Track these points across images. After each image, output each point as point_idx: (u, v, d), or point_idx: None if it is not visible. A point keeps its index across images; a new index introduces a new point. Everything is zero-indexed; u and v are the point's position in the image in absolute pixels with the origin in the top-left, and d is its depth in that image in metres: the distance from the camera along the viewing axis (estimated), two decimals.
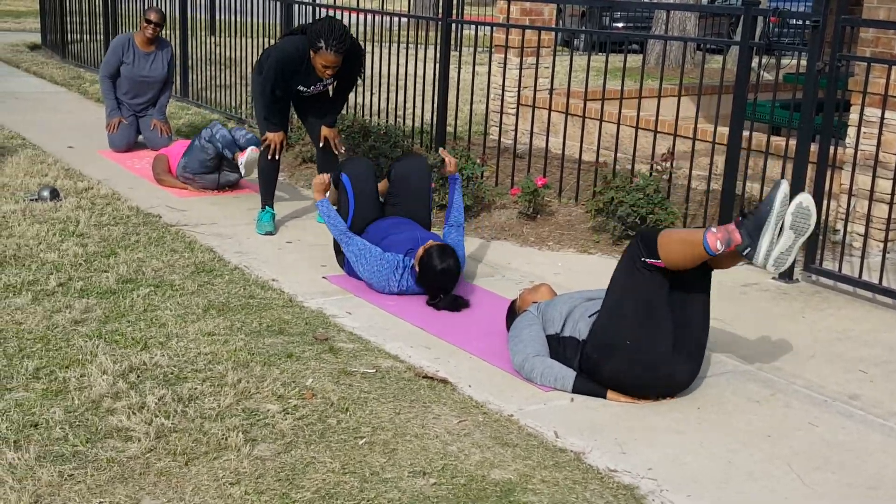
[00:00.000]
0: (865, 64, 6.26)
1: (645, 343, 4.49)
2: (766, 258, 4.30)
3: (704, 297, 4.61)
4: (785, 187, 4.29)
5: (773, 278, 6.36)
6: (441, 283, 5.72)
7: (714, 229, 4.35)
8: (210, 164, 8.09)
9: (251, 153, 7.69)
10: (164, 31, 11.38)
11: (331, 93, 7.13)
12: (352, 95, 9.05)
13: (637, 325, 4.50)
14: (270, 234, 6.98)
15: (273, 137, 6.92)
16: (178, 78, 12.02)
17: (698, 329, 4.59)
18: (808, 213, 4.33)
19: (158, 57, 9.60)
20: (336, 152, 7.24)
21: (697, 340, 4.59)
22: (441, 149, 6.08)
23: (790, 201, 4.32)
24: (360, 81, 7.17)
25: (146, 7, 10.92)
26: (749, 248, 4.31)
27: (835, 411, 4.59)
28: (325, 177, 6.24)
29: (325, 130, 7.13)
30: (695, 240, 4.35)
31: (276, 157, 7.02)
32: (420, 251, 5.79)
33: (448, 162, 6.19)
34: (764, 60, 15.10)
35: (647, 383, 4.56)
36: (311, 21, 7.12)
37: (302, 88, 6.88)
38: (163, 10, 9.91)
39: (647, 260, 4.43)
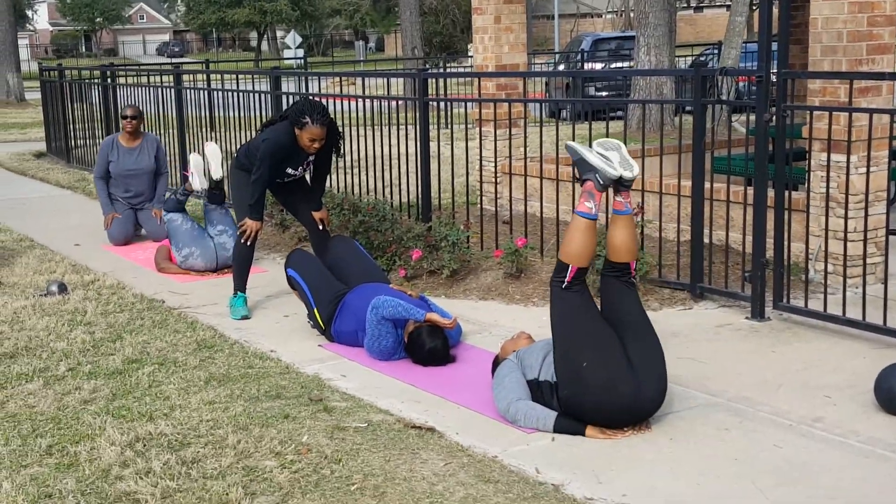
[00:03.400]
0: (814, 112, 6.67)
1: (599, 360, 4.87)
2: (611, 168, 4.94)
3: (634, 309, 5.09)
4: (571, 143, 5.16)
5: (746, 318, 6.68)
6: (428, 362, 6.07)
7: (577, 203, 5.02)
8: (193, 228, 8.67)
9: (197, 157, 8.66)
10: (161, 130, 11.90)
11: (307, 177, 7.51)
12: (342, 176, 9.46)
13: (584, 345, 4.91)
14: (246, 317, 7.23)
15: (253, 225, 7.25)
16: (176, 171, 12.47)
17: (646, 342, 4.99)
18: (605, 140, 5.11)
19: (143, 149, 10.20)
20: (328, 230, 7.58)
21: (649, 353, 4.96)
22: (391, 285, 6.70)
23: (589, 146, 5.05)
24: (338, 157, 7.53)
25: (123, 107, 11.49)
26: (594, 175, 4.98)
27: (798, 433, 4.89)
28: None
29: (316, 214, 7.49)
30: (574, 223, 5.01)
31: (252, 245, 7.36)
32: (411, 326, 6.15)
33: (409, 293, 6.58)
34: (735, 117, 15.52)
35: (616, 403, 4.87)
36: (287, 108, 7.49)
37: (290, 171, 7.26)
38: (142, 109, 10.53)
39: (564, 280, 4.97)
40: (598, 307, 5.13)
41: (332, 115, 7.28)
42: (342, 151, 7.49)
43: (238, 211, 7.44)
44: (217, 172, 8.69)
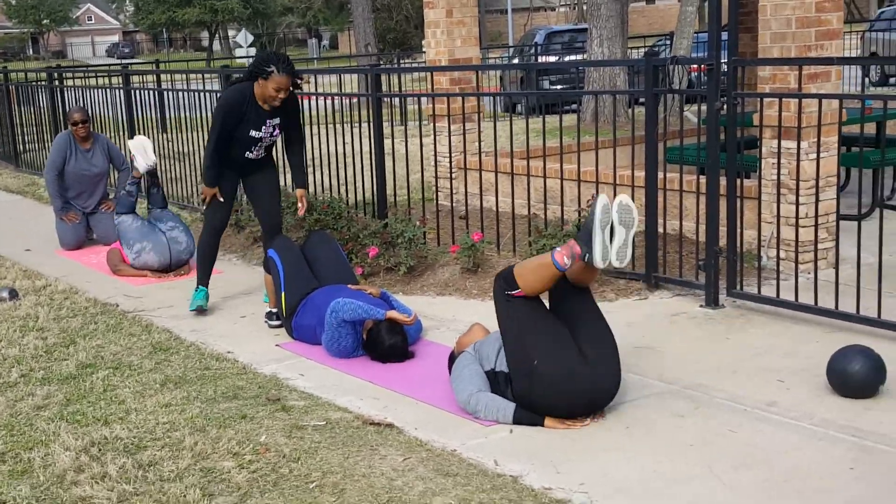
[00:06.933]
0: (764, 100, 6.72)
1: (551, 355, 4.89)
2: (603, 258, 4.81)
3: (586, 302, 5.11)
4: (603, 199, 4.85)
5: (700, 306, 6.72)
6: (387, 358, 6.07)
7: (559, 248, 4.90)
8: (143, 225, 8.68)
9: (136, 140, 8.90)
10: (112, 132, 11.80)
11: (278, 143, 7.32)
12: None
13: (533, 343, 4.92)
14: (201, 309, 7.24)
15: (206, 191, 7.18)
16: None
17: (597, 332, 5.01)
18: (629, 209, 4.89)
19: (97, 151, 10.05)
20: (300, 214, 7.55)
21: (601, 343, 4.99)
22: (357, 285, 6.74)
23: (612, 205, 4.86)
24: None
25: (69, 110, 11.34)
26: (587, 254, 4.83)
27: (753, 418, 4.93)
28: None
29: (298, 191, 7.42)
30: (545, 262, 4.92)
31: (217, 225, 7.33)
32: (370, 323, 6.14)
33: (370, 292, 6.60)
34: (687, 107, 15.59)
35: (572, 394, 4.88)
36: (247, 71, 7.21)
37: (254, 133, 7.07)
38: (88, 110, 10.48)
39: (509, 293, 4.97)
40: (546, 303, 5.15)
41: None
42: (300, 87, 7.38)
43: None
44: (151, 158, 8.78)
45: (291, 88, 6.98)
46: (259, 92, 6.95)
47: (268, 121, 7.08)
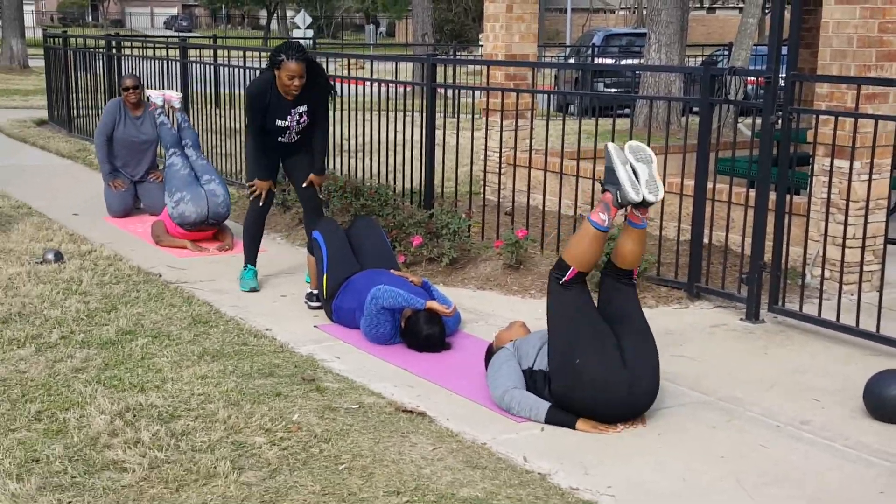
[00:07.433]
0: (819, 117, 6.68)
1: (592, 357, 4.88)
2: (635, 190, 4.85)
3: (634, 306, 5.12)
4: (610, 145, 4.97)
5: (741, 319, 6.69)
6: (424, 348, 6.07)
7: (592, 210, 4.98)
8: (189, 175, 9.01)
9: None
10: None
11: (303, 124, 7.32)
12: (346, 159, 9.45)
13: (578, 342, 4.93)
14: (255, 290, 7.32)
15: (261, 185, 7.34)
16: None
17: (640, 340, 5.00)
18: (641, 147, 4.99)
19: (146, 119, 10.11)
20: (321, 208, 7.61)
21: (643, 351, 4.98)
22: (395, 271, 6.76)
23: (624, 148, 4.97)
24: (332, 98, 7.57)
25: (122, 76, 11.55)
26: (618, 193, 4.88)
27: (786, 435, 4.91)
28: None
29: (313, 177, 7.48)
30: (584, 228, 4.96)
31: (263, 207, 7.43)
32: (408, 311, 6.15)
33: (412, 280, 6.61)
34: (741, 119, 15.50)
35: (609, 400, 4.88)
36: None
37: (280, 122, 7.18)
38: (143, 80, 10.85)
39: (563, 278, 4.97)
40: (595, 302, 5.15)
41: (340, 98, 7.27)
42: (336, 93, 7.51)
43: (250, 172, 7.55)
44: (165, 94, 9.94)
45: (316, 76, 7.14)
46: (278, 82, 7.05)
47: (292, 110, 7.19)
